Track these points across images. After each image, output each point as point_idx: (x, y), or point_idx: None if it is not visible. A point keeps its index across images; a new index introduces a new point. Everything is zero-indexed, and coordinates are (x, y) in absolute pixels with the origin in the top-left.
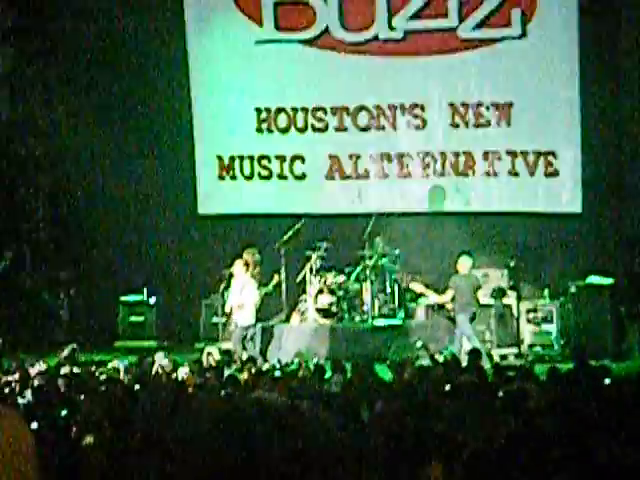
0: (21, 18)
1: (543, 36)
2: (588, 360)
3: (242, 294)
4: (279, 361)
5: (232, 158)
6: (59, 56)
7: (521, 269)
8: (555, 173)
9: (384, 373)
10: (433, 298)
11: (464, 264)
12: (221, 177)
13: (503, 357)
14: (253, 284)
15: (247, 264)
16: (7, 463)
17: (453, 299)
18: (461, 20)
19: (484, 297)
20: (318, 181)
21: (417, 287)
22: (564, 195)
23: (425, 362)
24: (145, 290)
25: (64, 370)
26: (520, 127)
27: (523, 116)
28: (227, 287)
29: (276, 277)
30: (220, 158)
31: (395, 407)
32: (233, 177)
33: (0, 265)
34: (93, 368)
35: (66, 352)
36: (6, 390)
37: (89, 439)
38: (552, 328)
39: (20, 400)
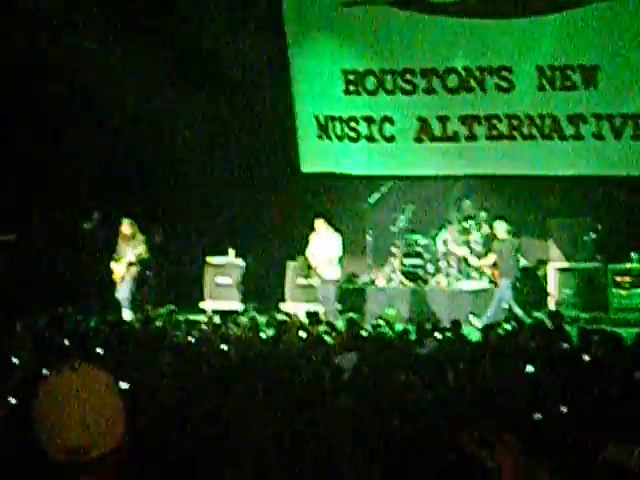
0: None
1: None
2: None
3: (328, 248)
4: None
5: (326, 118)
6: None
7: (609, 232)
8: None
9: (473, 336)
10: (474, 261)
11: (500, 228)
12: (320, 137)
13: (590, 321)
14: (338, 237)
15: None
16: (92, 422)
17: (495, 264)
18: None
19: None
20: (407, 143)
21: (459, 251)
22: None
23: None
24: (232, 251)
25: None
26: (607, 90)
27: (610, 79)
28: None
29: None
30: (317, 118)
31: (480, 370)
32: (329, 137)
33: (89, 224)
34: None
35: (163, 312)
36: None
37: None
38: None
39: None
